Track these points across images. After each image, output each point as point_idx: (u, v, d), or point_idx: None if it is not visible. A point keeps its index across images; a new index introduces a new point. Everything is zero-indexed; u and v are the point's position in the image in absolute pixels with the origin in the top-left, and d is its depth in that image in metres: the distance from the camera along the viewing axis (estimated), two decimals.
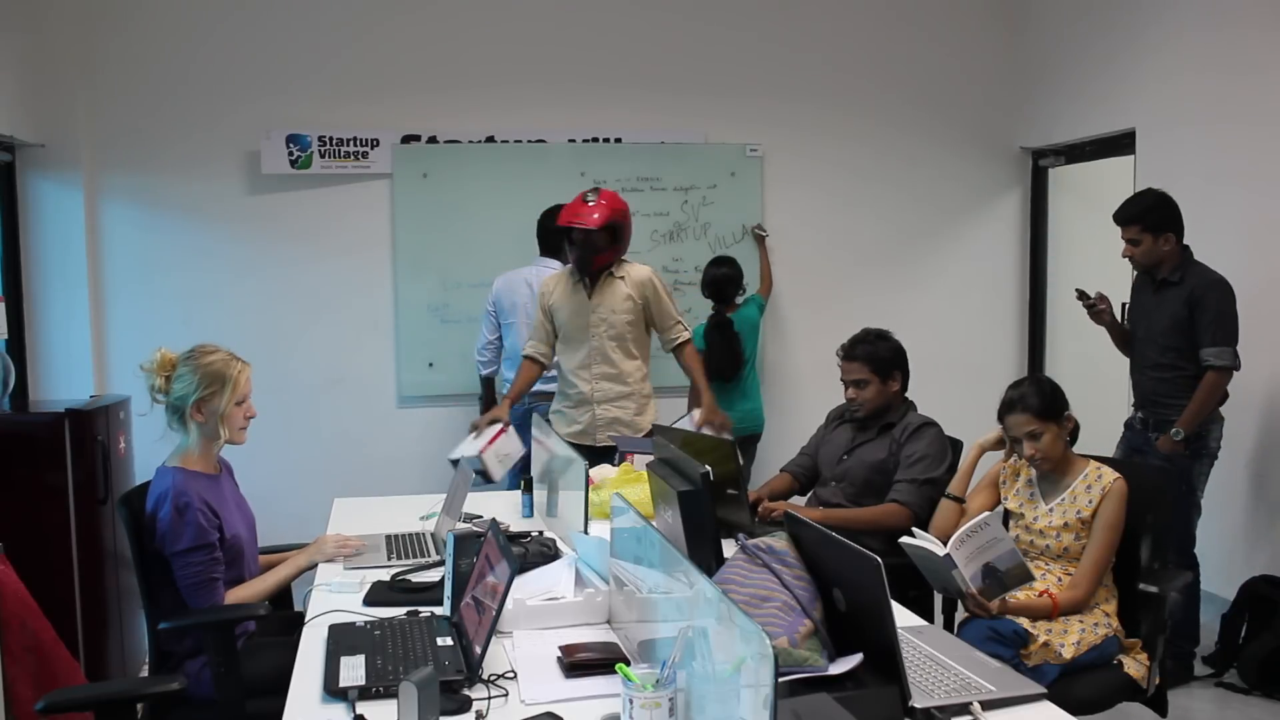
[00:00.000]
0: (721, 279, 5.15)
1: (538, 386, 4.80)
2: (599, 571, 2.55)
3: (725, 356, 5.05)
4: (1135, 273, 4.21)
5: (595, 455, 3.91)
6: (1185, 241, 3.99)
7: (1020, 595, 2.75)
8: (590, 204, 4.11)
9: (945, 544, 2.63)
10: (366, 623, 2.35)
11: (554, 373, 4.75)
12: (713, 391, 5.09)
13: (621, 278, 4.21)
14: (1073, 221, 5.98)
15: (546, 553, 2.78)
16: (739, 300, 5.22)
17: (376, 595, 2.56)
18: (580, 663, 2.10)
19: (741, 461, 3.08)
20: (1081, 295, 4.24)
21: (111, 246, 5.25)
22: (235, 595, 2.71)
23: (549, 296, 4.30)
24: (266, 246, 5.37)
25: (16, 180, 5.01)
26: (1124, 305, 4.30)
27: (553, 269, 4.74)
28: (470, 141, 5.51)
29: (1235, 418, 4.46)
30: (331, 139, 5.38)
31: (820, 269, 5.87)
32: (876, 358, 3.45)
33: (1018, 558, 2.66)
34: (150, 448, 3.09)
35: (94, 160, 5.19)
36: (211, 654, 2.54)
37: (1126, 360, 4.28)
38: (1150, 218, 3.95)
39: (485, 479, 3.98)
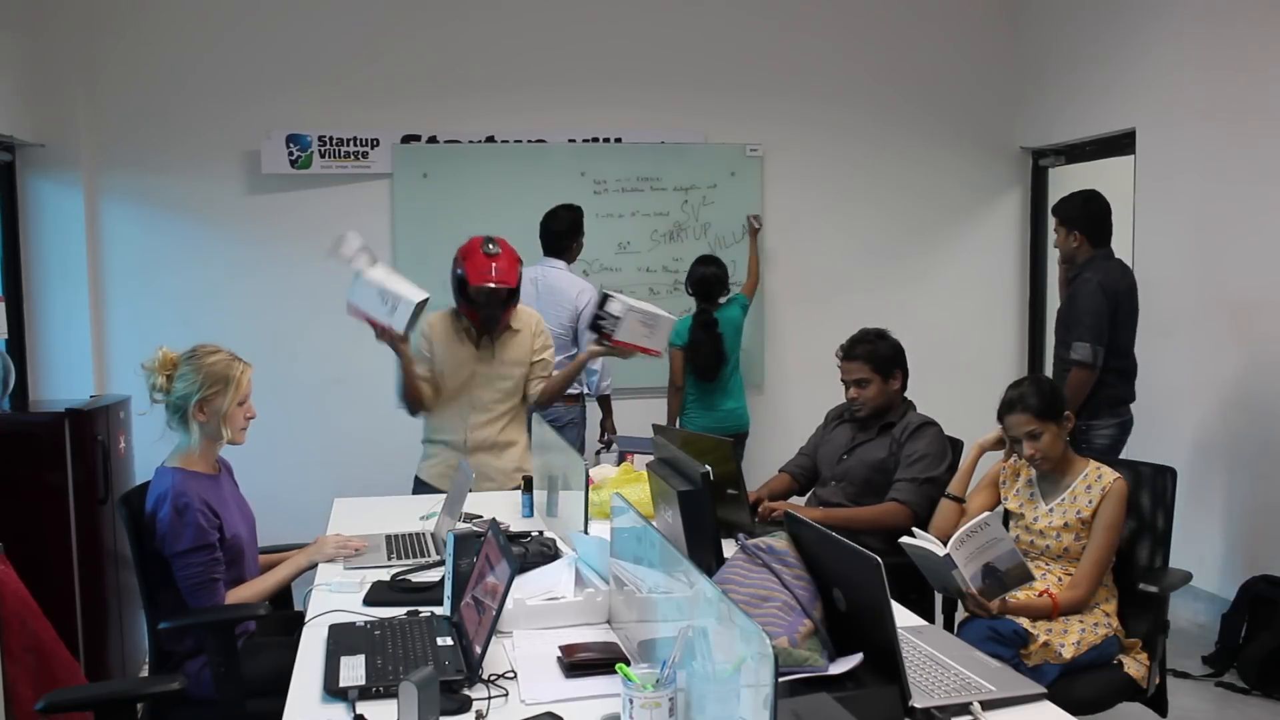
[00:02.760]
0: (710, 278, 5.12)
1: None
2: (599, 571, 2.54)
3: (710, 355, 5.04)
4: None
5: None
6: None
7: (1020, 595, 2.75)
8: (498, 255, 3.66)
9: (945, 544, 2.64)
10: (366, 623, 2.35)
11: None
12: (696, 391, 5.10)
13: (519, 329, 3.75)
14: None
15: (546, 553, 2.78)
16: (722, 300, 5.19)
17: (376, 595, 2.56)
18: (580, 663, 2.10)
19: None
20: None
21: (111, 246, 5.25)
22: (235, 595, 2.71)
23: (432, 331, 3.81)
24: (266, 246, 5.37)
25: (16, 180, 5.01)
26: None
27: (557, 269, 4.74)
28: (470, 141, 5.51)
29: (1235, 418, 4.47)
30: (331, 139, 5.38)
31: (820, 268, 5.88)
32: (877, 356, 3.45)
33: (1018, 558, 2.66)
34: (150, 448, 3.09)
35: (94, 160, 5.19)
36: (211, 654, 2.54)
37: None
38: (1067, 213, 4.15)
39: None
